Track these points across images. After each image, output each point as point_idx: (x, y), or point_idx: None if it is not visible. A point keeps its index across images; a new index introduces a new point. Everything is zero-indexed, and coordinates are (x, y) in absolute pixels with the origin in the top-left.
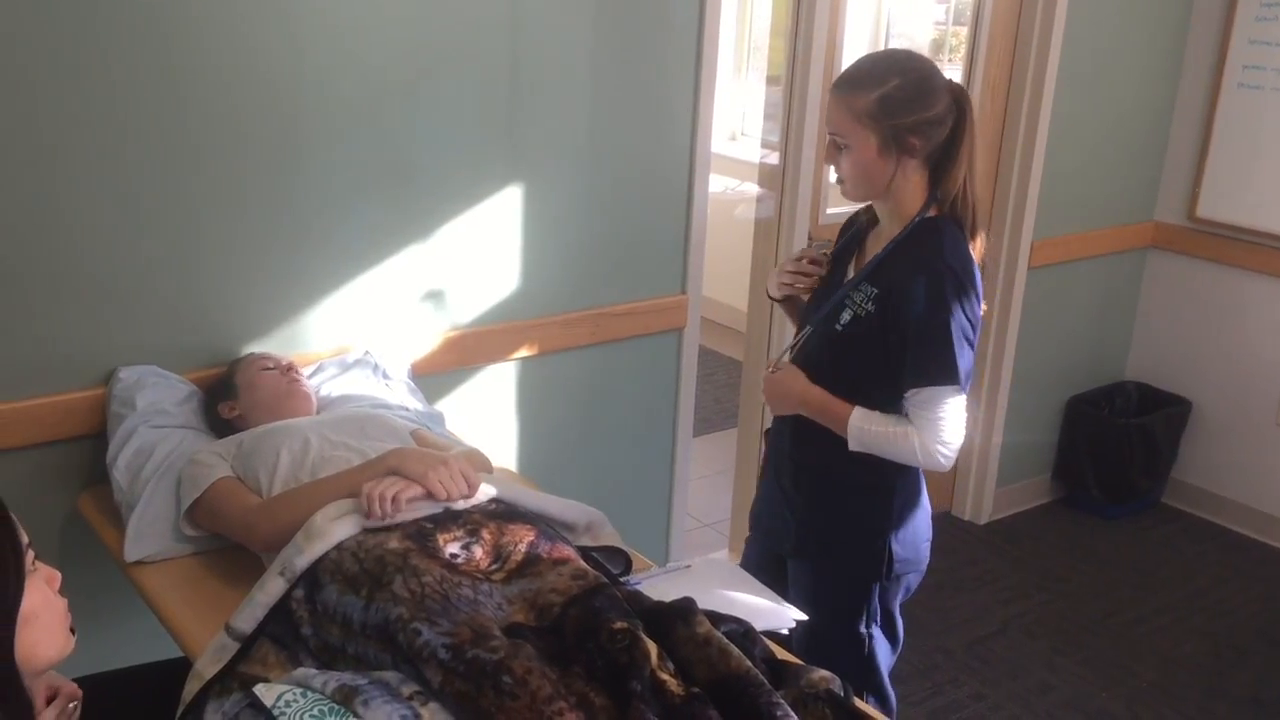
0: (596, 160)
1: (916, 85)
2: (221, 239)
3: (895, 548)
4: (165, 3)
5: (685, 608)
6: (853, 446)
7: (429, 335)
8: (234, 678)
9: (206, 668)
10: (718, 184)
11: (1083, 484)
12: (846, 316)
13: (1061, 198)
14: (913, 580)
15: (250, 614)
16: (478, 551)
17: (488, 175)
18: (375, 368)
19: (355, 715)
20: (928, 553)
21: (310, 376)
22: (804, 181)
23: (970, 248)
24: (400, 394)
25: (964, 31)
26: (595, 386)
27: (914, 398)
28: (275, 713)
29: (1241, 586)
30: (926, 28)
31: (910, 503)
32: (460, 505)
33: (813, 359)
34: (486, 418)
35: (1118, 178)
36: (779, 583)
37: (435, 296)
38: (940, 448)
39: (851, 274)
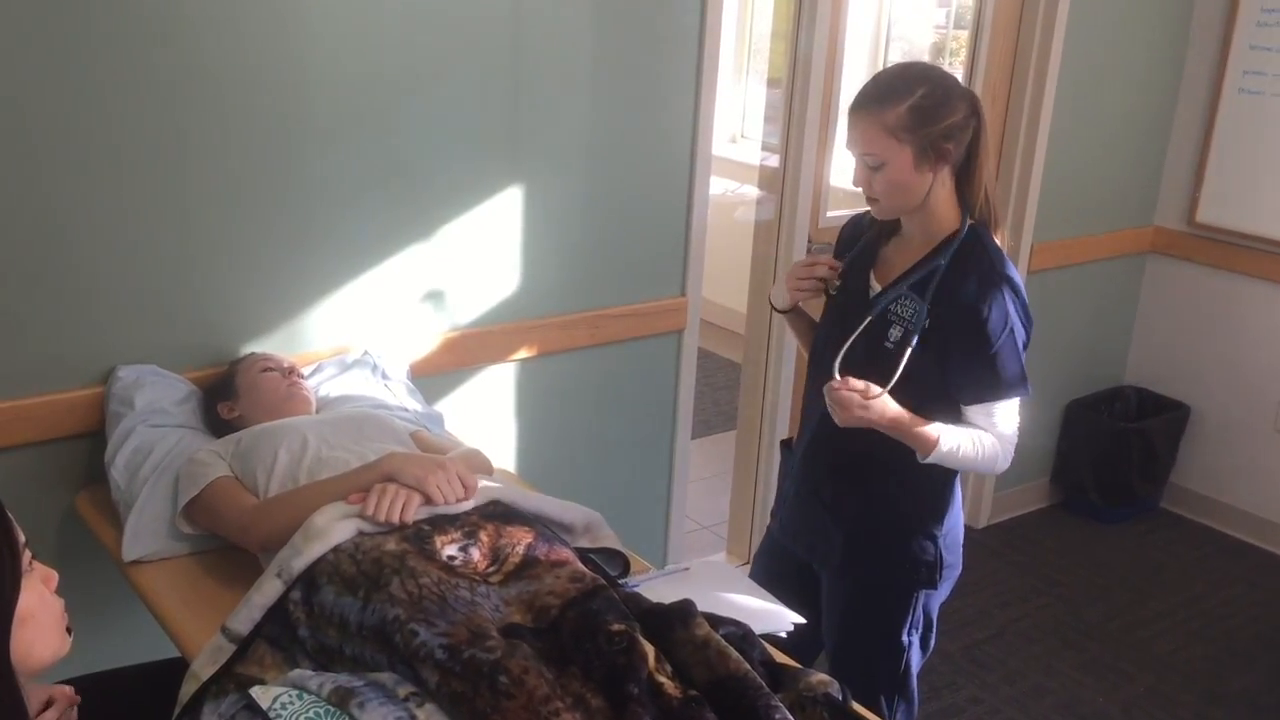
0: (597, 162)
1: (943, 92)
2: (221, 238)
3: (944, 553)
4: (166, 3)
5: (683, 610)
6: (933, 459)
7: (428, 336)
8: (230, 679)
9: (203, 669)
10: (718, 186)
11: (1081, 488)
12: (896, 334)
13: (1061, 202)
14: (950, 584)
15: (247, 615)
16: (475, 553)
17: (488, 176)
18: (374, 368)
19: (351, 717)
20: (962, 556)
21: (309, 377)
22: (804, 184)
23: (1006, 256)
24: (399, 395)
25: (965, 35)
26: (594, 388)
27: (981, 409)
28: (271, 715)
29: (1239, 591)
30: (927, 31)
31: (951, 505)
32: (457, 509)
33: (857, 375)
34: (485, 419)
35: (1118, 182)
36: (800, 596)
37: (435, 297)
38: (1011, 449)
39: (875, 284)
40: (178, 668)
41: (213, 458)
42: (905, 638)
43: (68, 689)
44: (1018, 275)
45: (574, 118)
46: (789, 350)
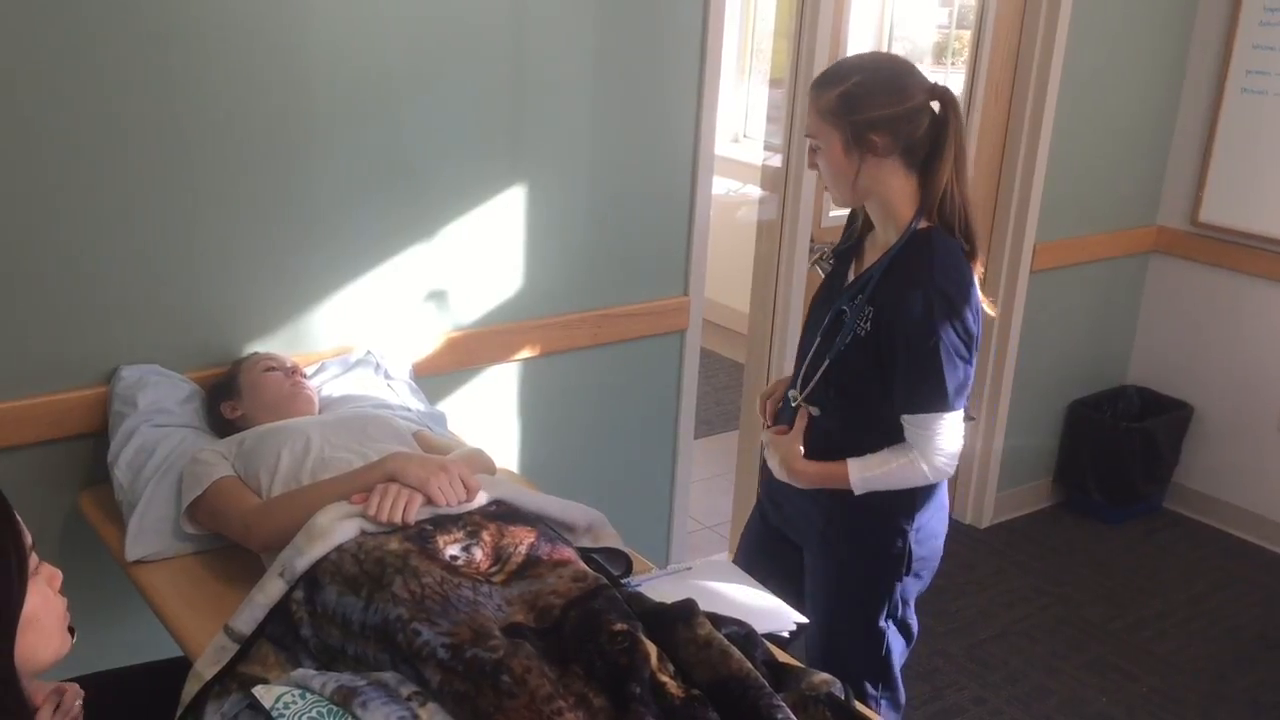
0: (599, 162)
1: (880, 82)
2: (224, 239)
3: (914, 546)
4: (170, 2)
5: (686, 609)
6: (862, 491)
7: (431, 336)
8: (233, 678)
9: (206, 668)
10: (720, 186)
11: (1084, 488)
12: (848, 337)
13: (1064, 202)
14: (929, 577)
15: (250, 615)
16: (478, 553)
17: (491, 176)
18: (377, 368)
19: (354, 716)
20: (941, 549)
21: (312, 376)
22: (806, 184)
23: (965, 257)
24: (402, 394)
25: (967, 35)
26: (597, 388)
27: (909, 420)
28: (274, 714)
29: (1242, 591)
30: (929, 31)
31: (928, 501)
32: (459, 509)
33: (822, 378)
34: (488, 419)
35: (1121, 182)
36: (784, 571)
37: (437, 297)
38: (941, 462)
39: (851, 279)
40: (181, 667)
41: (216, 457)
42: (881, 623)
43: (74, 686)
44: (963, 284)
45: (576, 118)
46: (791, 350)
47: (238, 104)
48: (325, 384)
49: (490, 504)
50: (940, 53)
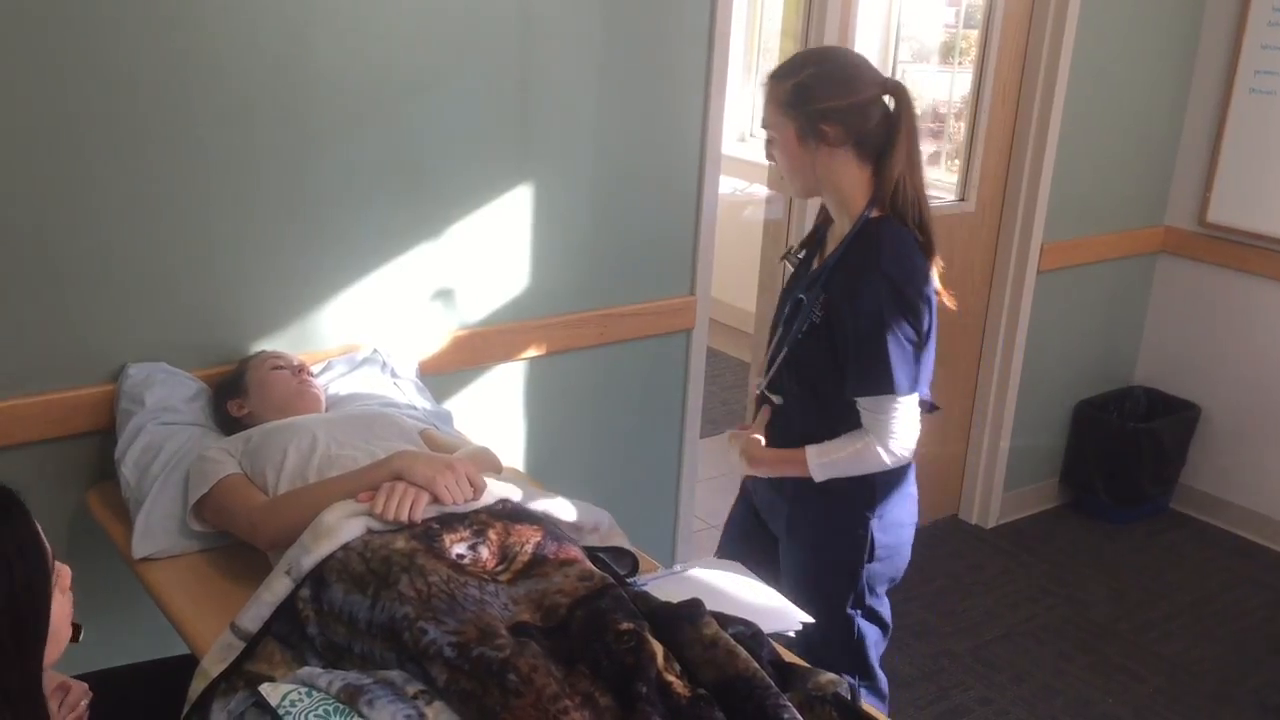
0: (606, 161)
1: (832, 74)
2: (231, 236)
3: (877, 534)
4: (178, 1)
5: (692, 609)
6: (820, 479)
7: (437, 334)
8: (240, 676)
9: (212, 666)
10: (727, 185)
11: (1091, 489)
12: (806, 325)
13: (1071, 202)
14: (898, 565)
15: (256, 613)
16: (484, 552)
17: (497, 175)
18: (384, 366)
19: (360, 715)
20: (910, 538)
21: (319, 375)
22: None
23: (919, 248)
24: (408, 393)
25: (974, 35)
26: (603, 387)
27: (862, 404)
28: (280, 712)
29: (1250, 592)
30: (937, 30)
31: (892, 489)
32: (466, 508)
33: (785, 369)
34: (494, 417)
35: (1128, 182)
36: (761, 548)
37: (444, 296)
38: (896, 447)
39: (815, 268)
40: (187, 665)
41: (223, 455)
42: (849, 610)
43: (81, 684)
44: (911, 273)
45: (583, 116)
46: None
47: (245, 103)
48: (332, 382)
49: (497, 503)
50: (947, 52)
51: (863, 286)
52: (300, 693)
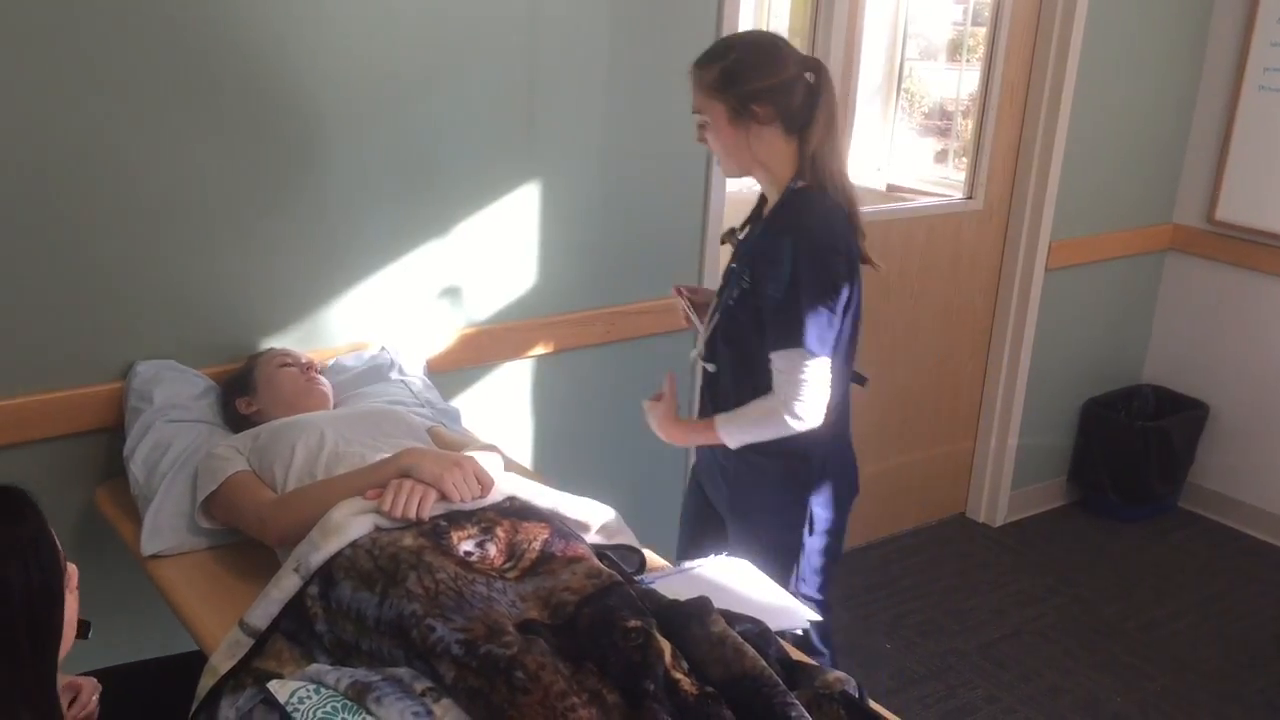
0: (613, 159)
1: (757, 56)
2: (240, 235)
3: (816, 509)
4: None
5: (700, 607)
6: (734, 445)
7: (445, 332)
8: (248, 673)
9: (221, 663)
10: (734, 183)
11: (1099, 487)
12: (736, 292)
13: (1080, 199)
14: (839, 540)
15: (265, 610)
16: (492, 549)
17: (505, 174)
18: (391, 364)
19: (368, 712)
20: (848, 511)
21: (326, 372)
22: None
23: (841, 215)
24: (416, 390)
25: (982, 32)
26: (610, 384)
27: (774, 360)
28: (289, 709)
29: (1258, 591)
30: (944, 28)
31: (830, 464)
32: (473, 505)
33: (718, 336)
34: (501, 415)
35: (1136, 180)
36: (715, 530)
37: (452, 293)
38: (802, 410)
39: None
40: (196, 661)
41: (231, 452)
42: (792, 588)
43: (91, 679)
44: (831, 235)
45: (591, 115)
46: None
47: (254, 102)
48: (340, 380)
49: (504, 500)
50: (955, 50)
51: (783, 249)
52: (308, 690)
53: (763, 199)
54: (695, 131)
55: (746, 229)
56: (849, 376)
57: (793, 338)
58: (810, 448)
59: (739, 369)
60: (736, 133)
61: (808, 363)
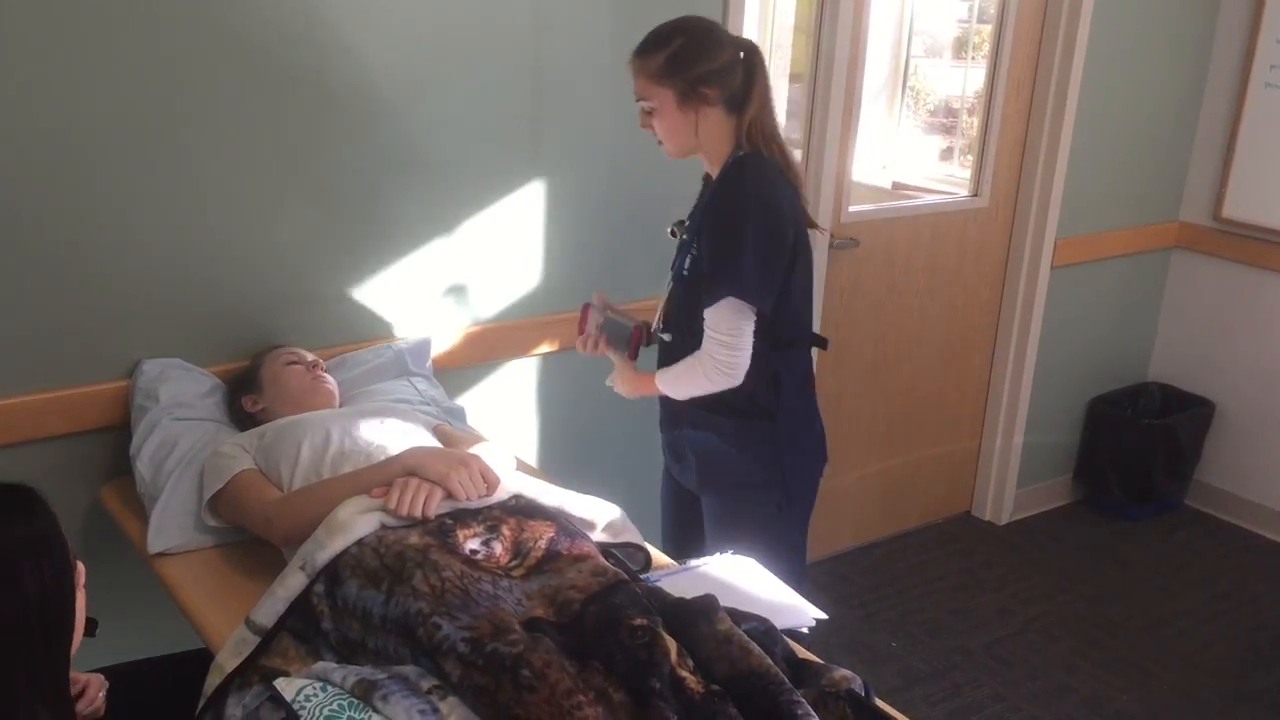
0: (618, 158)
1: (700, 41)
2: (245, 233)
3: (789, 477)
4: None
5: (706, 605)
6: (680, 396)
7: (451, 330)
8: (255, 671)
9: (227, 661)
10: None
11: (1104, 485)
12: (688, 261)
13: (1086, 197)
14: (809, 504)
15: (271, 608)
16: (497, 548)
17: (511, 172)
18: (397, 362)
19: (374, 710)
20: (819, 476)
21: (332, 370)
22: (826, 179)
23: (781, 177)
24: (422, 388)
25: (988, 29)
26: None
27: (705, 320)
28: (295, 706)
29: (1265, 589)
30: (950, 25)
31: (798, 433)
32: (479, 503)
33: (673, 306)
34: (507, 413)
35: (1142, 177)
36: (689, 515)
37: (457, 292)
38: (720, 359)
39: None
40: (202, 659)
41: (237, 451)
42: (772, 552)
43: (99, 676)
44: (771, 191)
45: (596, 114)
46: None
47: (259, 101)
48: (345, 378)
49: (510, 498)
50: (960, 47)
51: (724, 204)
52: (315, 687)
53: (707, 178)
54: (640, 118)
55: (685, 221)
56: (809, 339)
57: (727, 286)
58: (774, 410)
59: (692, 340)
60: (685, 115)
61: (736, 316)
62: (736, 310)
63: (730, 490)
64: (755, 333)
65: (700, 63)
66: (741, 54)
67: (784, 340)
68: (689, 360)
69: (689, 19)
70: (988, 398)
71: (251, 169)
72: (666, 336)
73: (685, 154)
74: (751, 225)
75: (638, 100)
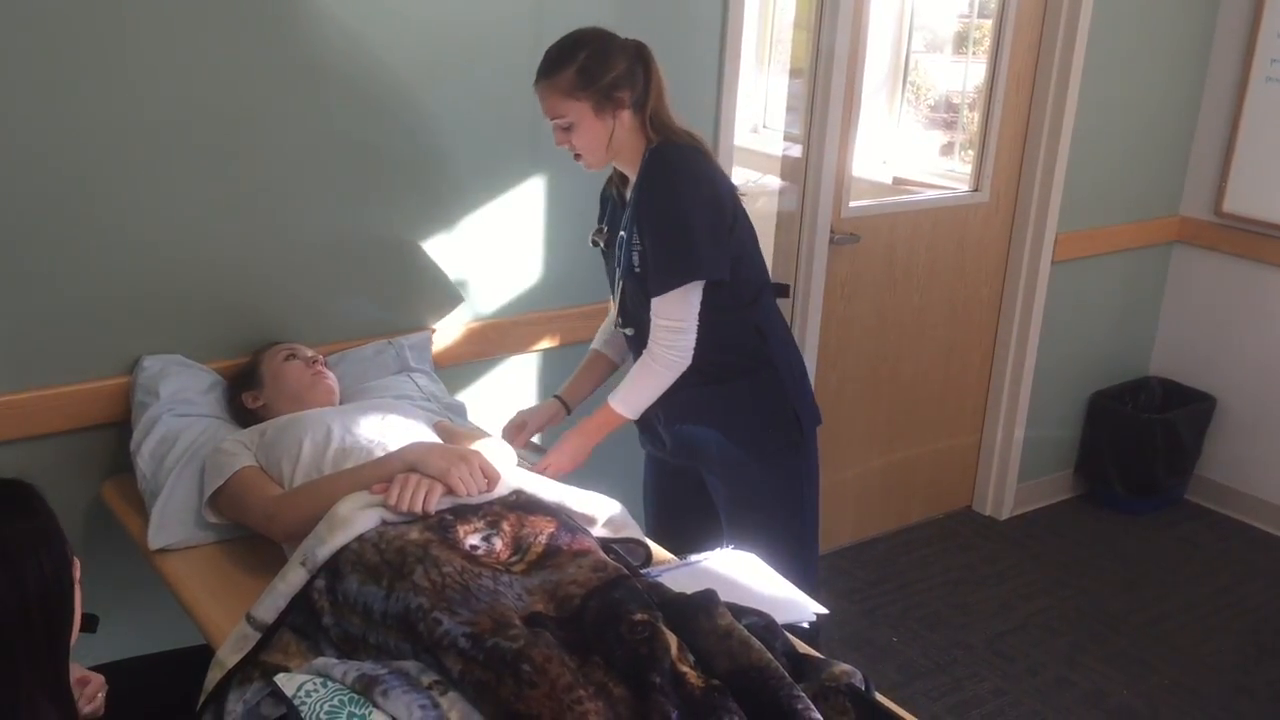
0: None
1: (603, 49)
2: (245, 229)
3: (812, 449)
4: None
5: (706, 600)
6: (635, 415)
7: (451, 326)
8: (255, 666)
9: (228, 656)
10: (740, 176)
11: (1105, 480)
12: (635, 256)
13: (1086, 191)
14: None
15: (271, 604)
16: (498, 543)
17: (511, 167)
18: (397, 358)
19: (375, 705)
20: (815, 439)
21: (333, 366)
22: (826, 174)
23: (697, 151)
24: (422, 384)
25: (989, 24)
26: (615, 379)
27: (652, 311)
28: (296, 702)
29: (1265, 583)
30: (950, 20)
31: (801, 374)
32: (479, 499)
33: (627, 302)
34: (508, 409)
35: (1143, 172)
36: (683, 491)
37: (458, 288)
38: (669, 344)
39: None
40: (203, 655)
41: (238, 447)
42: (802, 525)
43: (99, 676)
44: (700, 165)
45: None
46: (811, 338)
47: (260, 98)
48: (346, 374)
49: (510, 494)
50: (961, 42)
51: (661, 196)
52: (315, 683)
53: (616, 180)
54: (556, 137)
55: (605, 223)
56: (771, 288)
57: (683, 273)
58: (773, 358)
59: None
60: (603, 124)
61: (686, 299)
62: (687, 293)
63: (761, 471)
64: (723, 305)
65: (608, 70)
66: (637, 54)
67: (749, 296)
68: (637, 368)
69: (583, 31)
70: (988, 392)
71: (252, 166)
72: (629, 331)
73: (604, 163)
74: (691, 203)
75: (552, 120)
